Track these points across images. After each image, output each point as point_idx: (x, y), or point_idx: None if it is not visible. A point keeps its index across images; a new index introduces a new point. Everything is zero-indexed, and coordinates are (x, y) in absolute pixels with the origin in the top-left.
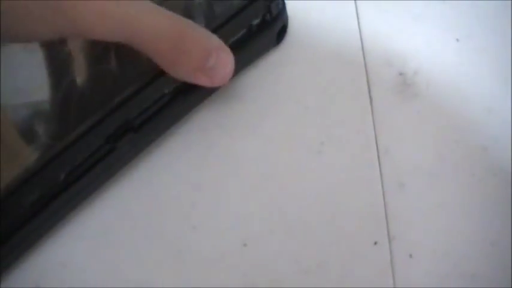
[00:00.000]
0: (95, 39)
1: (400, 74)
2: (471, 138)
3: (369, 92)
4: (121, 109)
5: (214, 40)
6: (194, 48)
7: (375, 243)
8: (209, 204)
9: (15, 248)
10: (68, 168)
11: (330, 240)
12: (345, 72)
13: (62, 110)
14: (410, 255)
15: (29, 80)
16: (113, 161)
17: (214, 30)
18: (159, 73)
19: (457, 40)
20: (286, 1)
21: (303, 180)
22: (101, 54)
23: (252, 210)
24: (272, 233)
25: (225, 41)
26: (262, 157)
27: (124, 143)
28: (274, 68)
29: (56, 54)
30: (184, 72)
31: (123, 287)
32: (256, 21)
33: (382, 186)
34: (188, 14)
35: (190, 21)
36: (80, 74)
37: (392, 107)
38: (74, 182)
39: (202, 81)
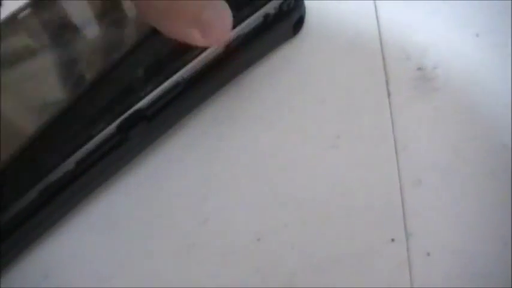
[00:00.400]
0: None
1: (419, 68)
2: (490, 135)
3: (387, 86)
4: (134, 98)
5: None
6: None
7: (392, 240)
8: (221, 197)
9: (24, 237)
10: (78, 157)
11: (345, 236)
12: (363, 65)
13: (73, 98)
14: (428, 254)
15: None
16: (124, 151)
17: None
18: (174, 62)
19: (477, 35)
20: None
21: (318, 174)
22: (115, 41)
23: (265, 204)
24: (286, 228)
25: (241, 30)
26: (276, 151)
27: (136, 133)
28: (290, 60)
29: (68, 41)
30: (177, 26)
31: (133, 279)
32: (273, 11)
33: (400, 182)
34: None
35: None
36: (93, 61)
37: (410, 102)
38: (84, 171)
39: (197, 38)
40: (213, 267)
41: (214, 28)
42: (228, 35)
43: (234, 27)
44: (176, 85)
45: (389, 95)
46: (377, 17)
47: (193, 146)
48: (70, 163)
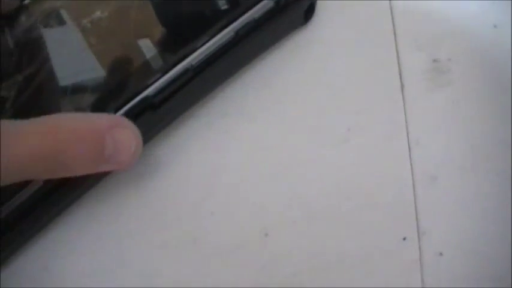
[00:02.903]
0: None
1: (434, 60)
2: (506, 130)
3: (400, 77)
4: (141, 85)
5: (103, 120)
6: (81, 149)
7: (404, 238)
8: (228, 190)
9: (25, 230)
10: None
11: (355, 233)
12: (375, 55)
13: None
14: (441, 253)
15: None
16: None
17: (239, 4)
18: (182, 50)
19: (495, 26)
20: None
21: (328, 169)
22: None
23: (273, 198)
24: (294, 224)
25: (251, 15)
26: (285, 143)
27: (142, 122)
28: (300, 49)
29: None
30: (83, 172)
31: (135, 271)
32: None
33: (413, 178)
34: None
35: (63, 117)
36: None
37: (424, 95)
38: None
39: (109, 169)
40: (219, 261)
41: (122, 157)
42: (140, 150)
43: (246, 12)
44: (184, 72)
45: (402, 87)
46: (390, 7)
47: (200, 136)
48: None
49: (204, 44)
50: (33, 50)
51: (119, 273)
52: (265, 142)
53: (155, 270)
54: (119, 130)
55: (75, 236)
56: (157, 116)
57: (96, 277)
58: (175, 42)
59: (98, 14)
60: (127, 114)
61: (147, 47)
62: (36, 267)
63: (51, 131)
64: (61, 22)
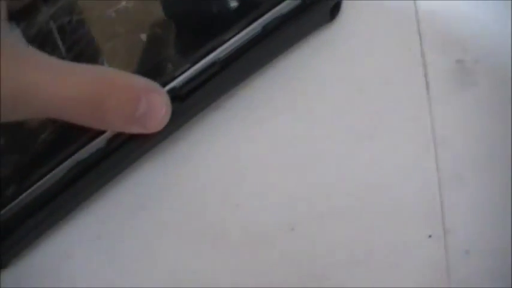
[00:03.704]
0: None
1: (459, 61)
2: None
3: (425, 77)
4: (168, 76)
5: (141, 83)
6: (118, 102)
7: (429, 236)
8: (254, 183)
9: (50, 215)
10: (110, 134)
11: (381, 229)
12: (400, 55)
13: None
14: (467, 252)
15: None
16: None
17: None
18: (210, 43)
19: None
20: None
21: (354, 165)
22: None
23: (300, 193)
24: (321, 219)
25: (279, 11)
26: (312, 138)
27: None
28: (326, 46)
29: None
30: (113, 127)
31: (160, 262)
32: None
33: (438, 176)
34: None
35: (107, 72)
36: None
37: (449, 95)
38: (115, 150)
39: (136, 131)
40: (244, 254)
41: (150, 120)
42: (167, 118)
43: (273, 7)
44: (212, 65)
45: (427, 86)
46: (415, 7)
47: (226, 129)
48: (101, 141)
49: (231, 37)
50: (45, 45)
51: (144, 262)
52: (291, 136)
53: (181, 260)
54: (153, 94)
55: (99, 225)
56: (183, 107)
57: (120, 266)
58: (203, 35)
59: (123, 3)
60: None
61: (175, 38)
62: (59, 255)
63: (94, 80)
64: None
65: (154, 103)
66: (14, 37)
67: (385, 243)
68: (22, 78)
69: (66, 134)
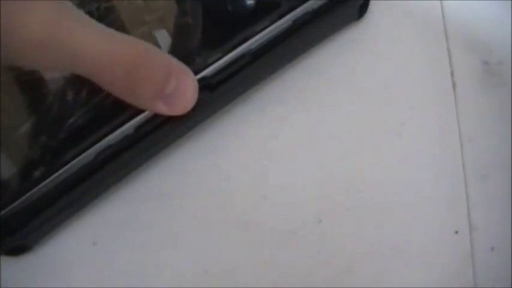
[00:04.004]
0: (31, 68)
1: (485, 62)
2: None
3: (452, 77)
4: (199, 65)
5: (174, 62)
6: (151, 74)
7: (456, 232)
8: (281, 176)
9: (75, 201)
10: (138, 122)
11: (407, 225)
12: (427, 54)
13: None
14: (492, 248)
15: None
16: (184, 120)
17: None
18: (242, 34)
19: None
20: None
21: (382, 160)
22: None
23: (327, 186)
24: (348, 212)
25: (309, 7)
26: (340, 134)
27: (198, 101)
28: (354, 44)
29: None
30: (141, 100)
31: (184, 253)
32: None
33: (464, 174)
34: None
35: (144, 43)
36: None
37: (475, 95)
38: (143, 137)
39: (161, 109)
40: (271, 246)
41: (178, 100)
42: (193, 103)
43: (303, 2)
44: (242, 56)
45: (454, 86)
46: (442, 7)
47: (255, 121)
48: (130, 128)
49: (262, 30)
50: None
51: (169, 251)
52: (319, 130)
53: (205, 250)
54: (184, 76)
55: (124, 213)
56: (213, 97)
57: (145, 254)
58: (233, 26)
59: None
60: None
61: (205, 28)
62: (85, 241)
63: (133, 47)
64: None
65: (184, 84)
66: None
67: (411, 238)
68: (64, 24)
69: (95, 120)
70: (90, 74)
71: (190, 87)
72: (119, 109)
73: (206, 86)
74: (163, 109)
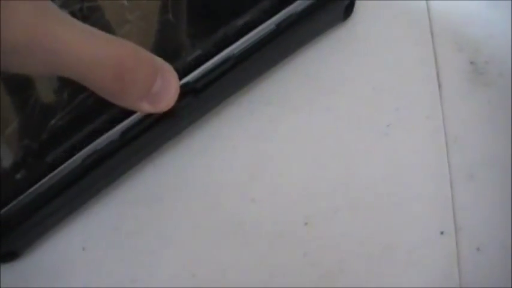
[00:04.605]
0: (17, 72)
1: (471, 62)
2: None
3: (438, 77)
4: (183, 70)
5: (158, 62)
6: (137, 76)
7: (441, 233)
8: (269, 178)
9: (63, 206)
10: (124, 127)
11: (394, 226)
12: (413, 54)
13: None
14: (478, 249)
15: None
16: (170, 124)
17: None
18: (224, 38)
19: None
20: None
21: (369, 161)
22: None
23: (315, 188)
24: (336, 213)
25: (294, 9)
26: (327, 135)
27: (183, 106)
28: (340, 45)
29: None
30: (127, 101)
31: (176, 256)
32: None
33: (450, 175)
34: None
35: (130, 44)
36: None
37: (461, 95)
38: (129, 142)
39: (146, 109)
40: (260, 248)
41: (161, 99)
42: (175, 99)
43: (287, 5)
44: (226, 60)
45: (440, 86)
46: (427, 7)
47: (242, 124)
48: (115, 133)
49: (246, 33)
50: None
51: (159, 255)
52: (306, 132)
53: (195, 253)
54: (168, 73)
55: (113, 217)
56: (199, 101)
57: (135, 259)
58: (217, 30)
59: None
60: None
61: (187, 29)
62: (74, 247)
63: (120, 49)
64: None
65: (168, 82)
66: None
67: (398, 239)
68: (48, 27)
69: (80, 124)
70: (76, 76)
71: (173, 84)
72: (103, 115)
73: (190, 91)
74: (148, 108)
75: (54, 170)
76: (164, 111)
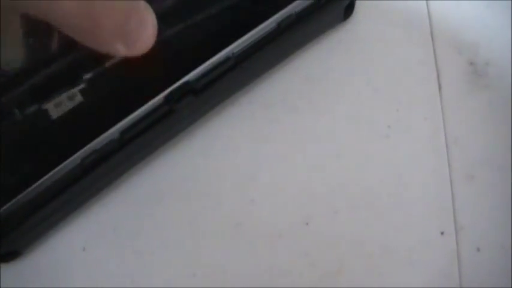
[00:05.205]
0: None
1: (471, 63)
2: None
3: (438, 78)
4: (183, 70)
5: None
6: (110, 10)
7: (442, 233)
8: (269, 179)
9: (64, 207)
10: (123, 126)
11: (394, 226)
12: (413, 55)
13: None
14: (478, 249)
15: None
16: (170, 124)
17: None
18: (225, 37)
19: None
20: None
21: (369, 162)
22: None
23: (315, 188)
24: (336, 215)
25: (293, 9)
26: (328, 136)
27: (183, 106)
28: (340, 45)
29: None
30: (99, 41)
31: (175, 255)
32: None
33: (450, 176)
34: None
35: None
36: None
37: (461, 96)
38: (129, 141)
39: (120, 50)
40: (260, 248)
41: (138, 38)
42: (152, 42)
43: (288, 4)
44: (226, 60)
45: (440, 87)
46: (428, 8)
47: (242, 124)
48: (115, 133)
49: (246, 33)
50: None
51: (159, 255)
52: (307, 133)
53: (195, 253)
54: (146, 12)
55: (113, 217)
56: (198, 101)
57: (135, 259)
58: (217, 30)
59: None
60: (169, 97)
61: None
62: (74, 247)
63: None
64: None
65: (145, 20)
66: None
67: (398, 239)
68: None
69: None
70: (40, 10)
71: (150, 21)
72: (102, 114)
73: (190, 91)
74: (123, 50)
75: (54, 169)
76: (140, 53)
